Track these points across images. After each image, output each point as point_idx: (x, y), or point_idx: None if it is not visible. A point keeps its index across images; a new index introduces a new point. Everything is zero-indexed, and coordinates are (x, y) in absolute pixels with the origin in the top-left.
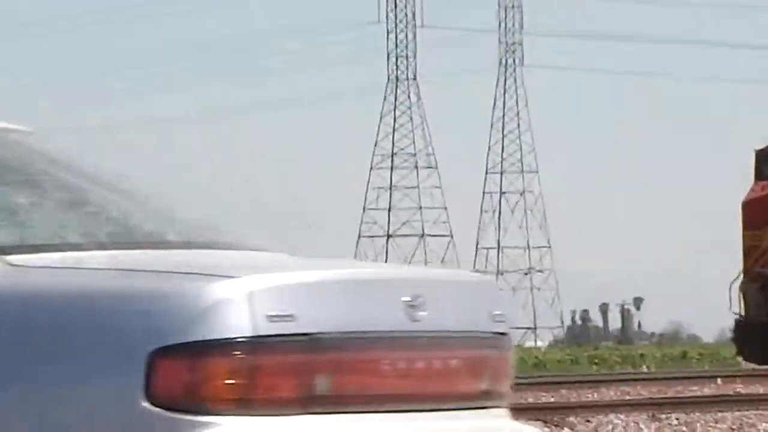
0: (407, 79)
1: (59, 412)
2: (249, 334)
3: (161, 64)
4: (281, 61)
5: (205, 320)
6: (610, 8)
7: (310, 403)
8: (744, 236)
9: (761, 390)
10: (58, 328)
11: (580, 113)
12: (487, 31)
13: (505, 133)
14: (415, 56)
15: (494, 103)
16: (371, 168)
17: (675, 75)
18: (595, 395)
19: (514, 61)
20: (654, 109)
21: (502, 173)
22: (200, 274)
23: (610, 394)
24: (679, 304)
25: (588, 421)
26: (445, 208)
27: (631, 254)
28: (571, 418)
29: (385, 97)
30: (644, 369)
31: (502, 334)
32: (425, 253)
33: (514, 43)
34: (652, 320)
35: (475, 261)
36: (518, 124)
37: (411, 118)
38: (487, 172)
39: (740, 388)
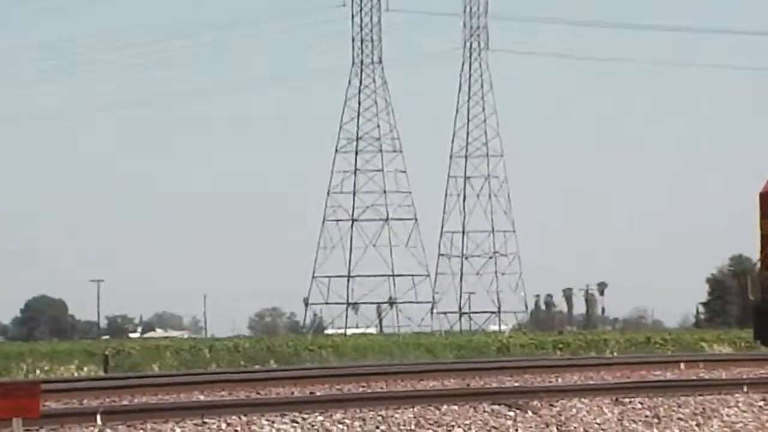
0: (372, 63)
1: None
2: None
3: (123, 47)
4: (246, 44)
5: None
6: None
7: None
8: (762, 225)
9: (724, 375)
10: None
11: (545, 98)
12: (452, 15)
13: (470, 117)
14: (380, 40)
15: (459, 88)
16: (336, 151)
17: (639, 60)
18: (559, 380)
19: (479, 45)
20: (619, 94)
21: (467, 157)
22: None
23: (574, 378)
24: (643, 290)
25: (552, 405)
26: (410, 192)
27: (595, 239)
28: (535, 402)
29: (349, 81)
30: (608, 354)
31: None
32: (389, 237)
33: (478, 28)
34: (616, 306)
35: (439, 245)
36: (483, 108)
37: (376, 102)
38: (452, 157)
39: (703, 373)
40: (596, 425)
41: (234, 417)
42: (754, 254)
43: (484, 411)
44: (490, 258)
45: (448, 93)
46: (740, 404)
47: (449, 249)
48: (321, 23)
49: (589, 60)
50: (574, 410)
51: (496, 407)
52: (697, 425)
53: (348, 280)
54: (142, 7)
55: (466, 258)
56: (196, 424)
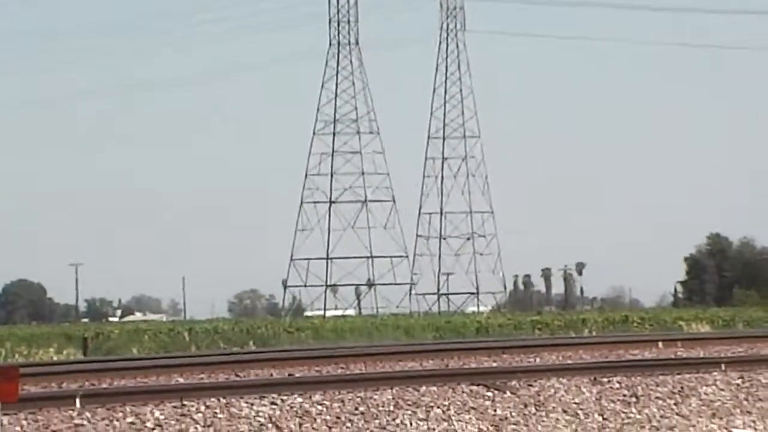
0: (349, 44)
1: None
2: None
3: (95, 32)
4: (222, 26)
5: None
6: None
7: None
8: None
9: (702, 354)
10: None
11: (522, 78)
12: None
13: (447, 98)
14: (357, 21)
15: (436, 68)
16: (313, 134)
17: (617, 39)
18: (538, 360)
19: (455, 25)
20: (597, 74)
21: (444, 138)
22: None
23: (552, 358)
24: (621, 269)
25: (530, 385)
26: (388, 174)
27: (573, 220)
28: (514, 383)
29: (326, 62)
30: (586, 333)
31: None
32: (368, 219)
33: (455, 8)
34: (594, 286)
35: (417, 226)
36: (460, 89)
37: (353, 84)
38: (429, 138)
39: (681, 351)
40: (575, 405)
41: (213, 399)
42: (732, 233)
43: (463, 392)
44: (468, 239)
45: (425, 74)
46: (718, 382)
47: (427, 230)
48: (298, 5)
49: (567, 40)
50: (552, 390)
51: (474, 388)
52: (676, 404)
53: (326, 262)
54: None
55: (444, 239)
56: (175, 407)
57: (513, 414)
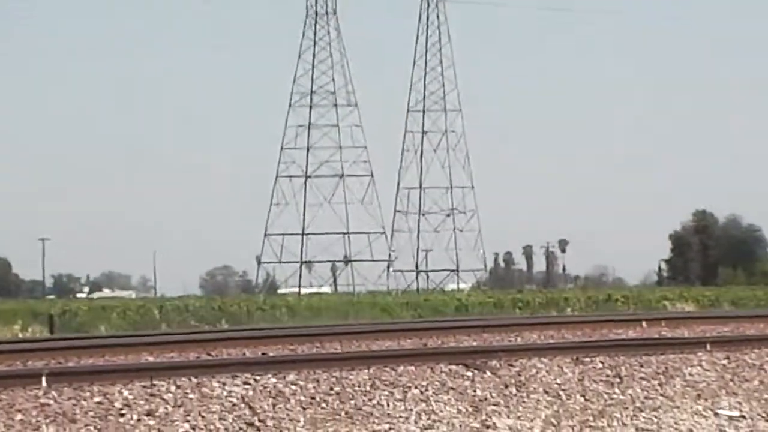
0: (326, 13)
1: None
2: None
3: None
4: None
5: None
6: None
7: None
8: None
9: (686, 333)
10: None
11: (505, 50)
12: None
13: (427, 70)
14: None
15: (416, 39)
16: (289, 106)
17: (603, 10)
18: (519, 339)
19: None
20: (579, 44)
21: (424, 111)
22: None
23: (533, 337)
24: (605, 247)
25: (511, 365)
26: (366, 147)
27: (556, 196)
28: (494, 362)
29: (303, 32)
30: (569, 312)
31: None
32: (344, 194)
33: None
34: (577, 263)
35: (396, 201)
36: (441, 61)
37: (331, 55)
38: (408, 111)
39: (665, 331)
40: (556, 385)
41: (184, 379)
42: (718, 210)
43: (442, 371)
44: (448, 215)
45: (405, 45)
46: (703, 363)
47: (406, 206)
48: None
49: (549, 10)
50: (533, 370)
51: (453, 367)
52: (660, 384)
53: (302, 238)
54: None
55: (424, 215)
56: (144, 386)
57: (493, 394)
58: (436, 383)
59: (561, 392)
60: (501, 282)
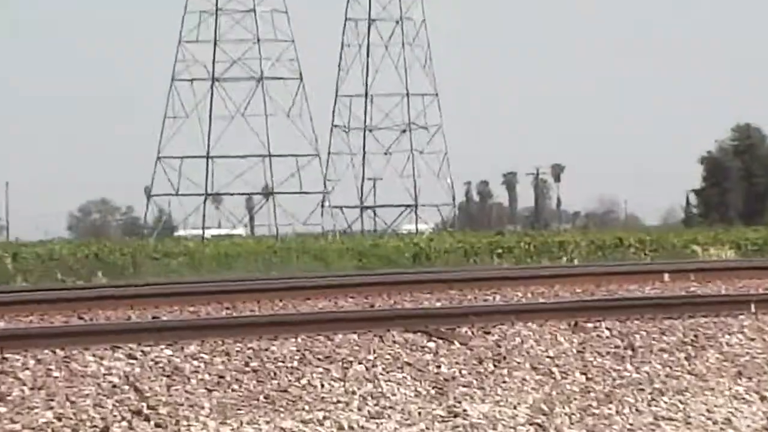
0: None
1: None
2: None
3: None
4: None
5: None
6: None
7: None
8: None
9: (724, 290)
10: None
11: None
12: None
13: None
14: None
15: None
16: None
17: None
18: (498, 298)
19: None
20: None
21: None
22: None
23: (517, 295)
24: (613, 174)
25: (487, 332)
26: (293, 41)
27: (548, 106)
28: (465, 330)
29: None
30: (565, 262)
31: None
32: (264, 103)
33: None
34: (575, 196)
35: (333, 113)
36: None
37: None
38: None
39: (695, 287)
40: (548, 359)
41: (47, 352)
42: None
43: (394, 341)
44: (404, 131)
45: None
46: (746, 329)
47: (347, 119)
48: None
49: None
50: (518, 339)
51: (410, 336)
52: (687, 358)
53: (207, 163)
54: None
55: (371, 131)
56: None
57: (463, 372)
58: (387, 357)
59: (554, 369)
60: (474, 222)
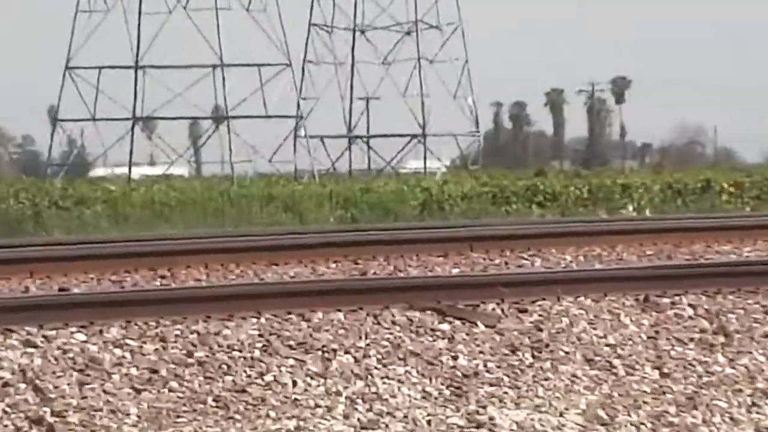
0: None
1: None
2: None
3: None
4: None
5: None
6: None
7: None
8: None
9: None
10: None
11: None
12: None
13: None
14: None
15: None
16: None
17: None
18: (537, 262)
19: None
20: None
21: None
22: None
23: (565, 260)
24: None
25: (523, 311)
26: None
27: (606, 5)
28: (491, 306)
29: None
30: (630, 212)
31: None
32: None
33: None
34: (644, 122)
35: (311, 9)
36: None
37: None
38: None
39: None
40: (606, 348)
41: None
42: None
43: (394, 323)
44: (408, 33)
45: None
46: None
47: (330, 16)
48: None
49: None
50: (565, 320)
51: (416, 316)
52: None
53: (135, 74)
54: None
55: (362, 32)
56: None
57: (490, 365)
58: (384, 343)
59: (616, 361)
60: (505, 158)
